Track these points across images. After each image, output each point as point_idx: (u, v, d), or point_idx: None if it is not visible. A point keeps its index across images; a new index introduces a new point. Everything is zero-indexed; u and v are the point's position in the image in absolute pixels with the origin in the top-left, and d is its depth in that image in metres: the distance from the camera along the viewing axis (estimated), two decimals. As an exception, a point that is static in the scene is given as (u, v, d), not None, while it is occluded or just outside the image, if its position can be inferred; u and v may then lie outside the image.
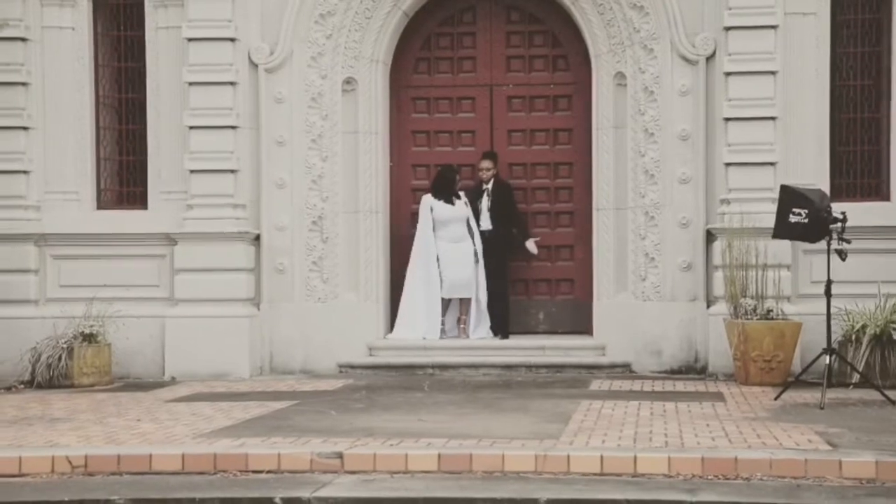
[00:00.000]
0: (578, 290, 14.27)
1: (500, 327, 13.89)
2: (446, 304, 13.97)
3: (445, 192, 13.75)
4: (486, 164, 13.89)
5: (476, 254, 13.73)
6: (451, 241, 13.81)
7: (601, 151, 13.56)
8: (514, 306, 14.13)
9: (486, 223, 14.03)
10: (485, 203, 14.01)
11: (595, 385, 12.20)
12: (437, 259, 13.72)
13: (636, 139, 13.34)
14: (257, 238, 13.71)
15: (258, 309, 13.65)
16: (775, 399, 10.99)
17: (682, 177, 13.26)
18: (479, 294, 13.74)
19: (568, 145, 14.32)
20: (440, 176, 13.83)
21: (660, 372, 13.22)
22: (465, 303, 13.98)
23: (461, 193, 13.84)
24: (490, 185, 14.06)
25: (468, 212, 13.76)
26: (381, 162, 14.03)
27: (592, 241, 13.75)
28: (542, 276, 14.41)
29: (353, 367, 13.54)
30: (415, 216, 14.07)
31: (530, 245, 13.68)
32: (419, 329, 13.76)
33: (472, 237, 13.78)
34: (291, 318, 13.65)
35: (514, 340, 13.85)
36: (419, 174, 14.46)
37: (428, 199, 13.79)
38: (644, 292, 13.37)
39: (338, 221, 13.75)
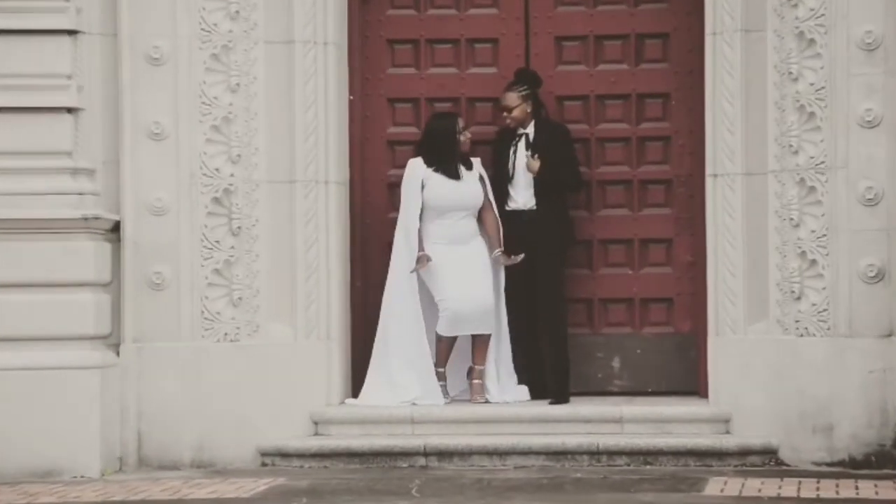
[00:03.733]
0: (681, 319, 12.91)
1: (558, 385, 12.56)
2: (450, 345, 12.78)
3: (445, 157, 12.45)
4: (510, 97, 12.41)
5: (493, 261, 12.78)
6: (452, 241, 12.68)
7: (720, 74, 12.02)
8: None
9: (525, 197, 12.55)
10: (521, 162, 12.47)
11: (714, 487, 10.84)
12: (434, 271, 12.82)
13: (783, 51, 11.76)
14: (116, 228, 12.19)
15: (117, 354, 12.20)
16: None
17: (865, 117, 11.53)
18: (501, 330, 12.80)
19: (662, 63, 12.81)
20: (431, 129, 12.66)
21: (831, 464, 11.70)
22: (479, 344, 12.68)
23: (475, 161, 12.59)
24: (531, 131, 12.45)
25: (484, 192, 12.61)
26: (335, 94, 12.50)
27: (706, 232, 12.18)
28: (618, 294, 12.99)
29: (285, 455, 12.01)
30: (393, 189, 12.77)
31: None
32: (404, 389, 12.49)
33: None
34: (177, 371, 12.15)
35: (569, 407, 12.39)
36: (401, 115, 13.07)
37: (417, 168, 12.55)
38: (799, 321, 11.77)
39: (258, 198, 12.23)
